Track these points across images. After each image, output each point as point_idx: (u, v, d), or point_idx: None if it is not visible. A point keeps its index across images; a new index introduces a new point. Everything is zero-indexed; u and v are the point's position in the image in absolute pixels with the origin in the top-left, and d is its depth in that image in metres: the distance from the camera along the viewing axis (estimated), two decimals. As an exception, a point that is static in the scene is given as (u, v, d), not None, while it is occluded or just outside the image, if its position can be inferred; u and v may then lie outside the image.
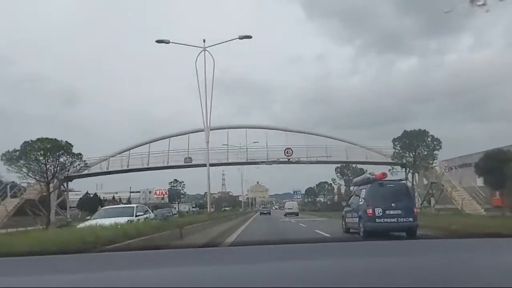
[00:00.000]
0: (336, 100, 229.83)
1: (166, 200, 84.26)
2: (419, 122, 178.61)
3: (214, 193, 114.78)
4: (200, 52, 23.87)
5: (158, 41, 24.34)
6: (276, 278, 1.00)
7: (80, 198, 56.62)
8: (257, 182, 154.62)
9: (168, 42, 24.34)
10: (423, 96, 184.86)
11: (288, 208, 45.50)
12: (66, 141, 30.23)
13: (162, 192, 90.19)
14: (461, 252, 1.29)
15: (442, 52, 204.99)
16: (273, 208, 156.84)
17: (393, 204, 12.14)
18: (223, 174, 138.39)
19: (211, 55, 24.01)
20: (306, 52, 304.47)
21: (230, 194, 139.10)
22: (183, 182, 76.01)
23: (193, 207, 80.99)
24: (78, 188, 55.05)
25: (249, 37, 24.72)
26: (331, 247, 1.55)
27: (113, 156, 41.78)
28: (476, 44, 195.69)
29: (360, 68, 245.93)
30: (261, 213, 50.11)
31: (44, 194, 31.32)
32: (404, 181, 18.82)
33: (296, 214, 42.65)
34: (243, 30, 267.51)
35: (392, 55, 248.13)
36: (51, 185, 30.81)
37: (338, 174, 58.98)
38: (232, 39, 24.69)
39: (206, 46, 24.03)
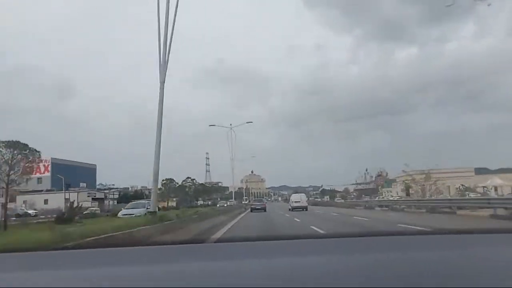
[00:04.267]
0: (334, 91, 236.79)
1: (48, 184, 48.98)
2: (418, 113, 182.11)
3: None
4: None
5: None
6: (263, 276, 0.97)
7: None
8: (252, 172, 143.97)
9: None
10: (423, 86, 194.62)
11: (295, 201, 38.74)
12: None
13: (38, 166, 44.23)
14: (461, 248, 1.27)
15: (443, 41, 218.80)
16: (276, 200, 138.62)
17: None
18: (207, 158, 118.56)
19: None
20: (305, 42, 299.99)
21: (220, 184, 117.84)
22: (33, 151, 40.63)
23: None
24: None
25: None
26: (324, 244, 1.48)
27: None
28: (478, 33, 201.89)
29: (359, 58, 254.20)
30: (252, 210, 39.15)
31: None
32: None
33: (305, 208, 36.99)
34: (242, 19, 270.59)
35: (392, 44, 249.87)
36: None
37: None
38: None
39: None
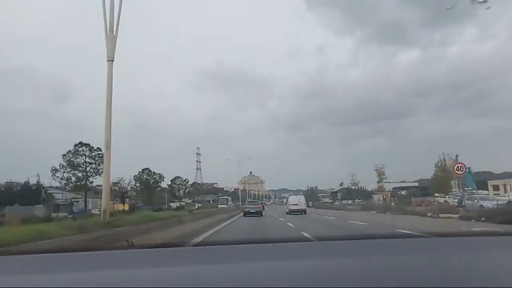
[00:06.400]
0: (333, 95, 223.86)
1: None
2: (418, 118, 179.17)
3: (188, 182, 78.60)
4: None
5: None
6: (244, 280, 0.95)
7: None
8: (250, 172, 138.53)
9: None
10: (423, 90, 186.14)
11: (293, 204, 36.00)
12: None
13: None
14: (459, 251, 1.27)
15: (444, 44, 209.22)
16: (281, 202, 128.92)
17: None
18: (198, 154, 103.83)
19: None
20: (305, 45, 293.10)
21: (216, 186, 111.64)
22: None
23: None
24: None
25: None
26: (313, 247, 1.45)
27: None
28: (480, 36, 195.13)
29: (360, 61, 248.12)
30: (245, 214, 32.78)
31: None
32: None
33: (304, 211, 34.62)
34: (241, 19, 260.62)
35: (393, 47, 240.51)
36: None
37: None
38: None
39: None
